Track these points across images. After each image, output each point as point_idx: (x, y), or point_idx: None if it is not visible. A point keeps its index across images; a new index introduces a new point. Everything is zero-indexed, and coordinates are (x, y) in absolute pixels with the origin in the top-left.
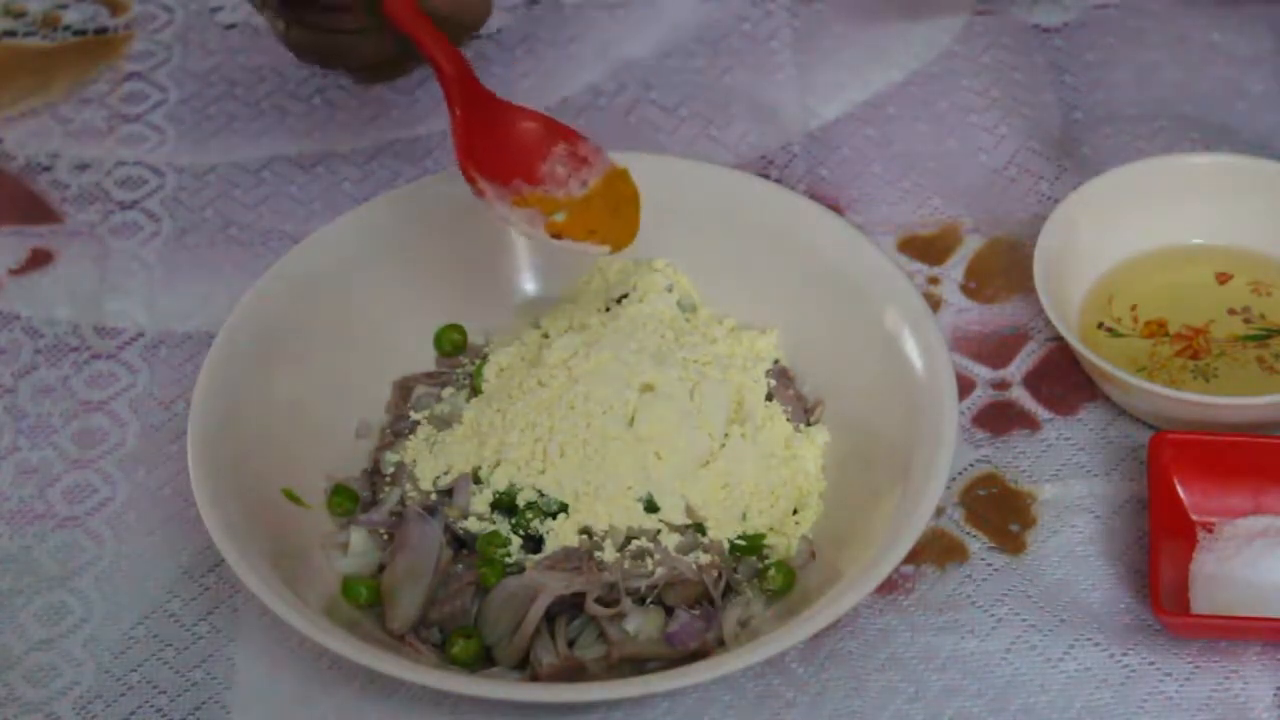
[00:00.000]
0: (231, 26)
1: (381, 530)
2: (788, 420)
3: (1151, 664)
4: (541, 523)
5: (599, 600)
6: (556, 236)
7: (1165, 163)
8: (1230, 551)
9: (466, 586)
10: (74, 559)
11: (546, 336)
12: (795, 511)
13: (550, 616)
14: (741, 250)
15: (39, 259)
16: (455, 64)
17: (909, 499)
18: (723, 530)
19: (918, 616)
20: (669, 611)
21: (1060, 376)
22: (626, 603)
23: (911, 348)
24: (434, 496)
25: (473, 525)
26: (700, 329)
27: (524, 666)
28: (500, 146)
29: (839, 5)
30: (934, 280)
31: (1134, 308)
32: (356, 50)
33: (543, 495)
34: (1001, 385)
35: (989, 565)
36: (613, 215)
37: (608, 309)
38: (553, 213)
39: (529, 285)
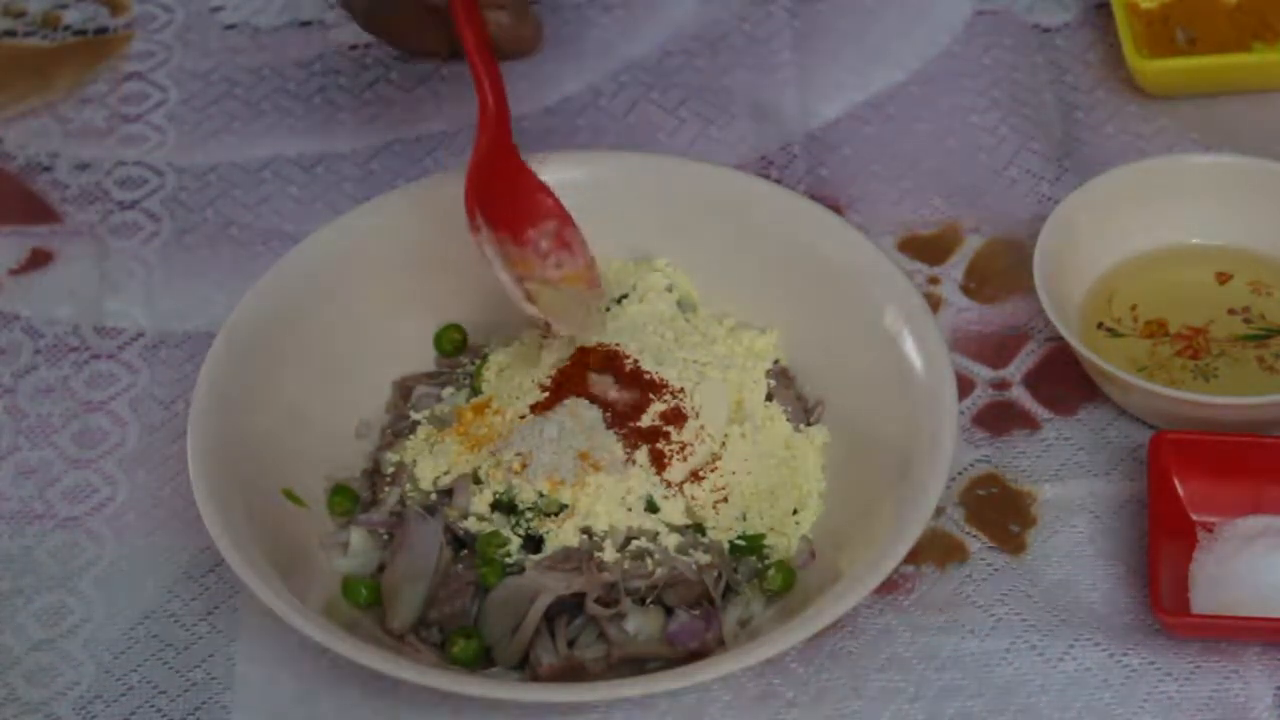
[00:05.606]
0: (231, 27)
1: (381, 530)
2: (787, 420)
3: (1151, 664)
4: (541, 523)
5: (599, 600)
6: (530, 300)
7: (1165, 163)
8: (1230, 551)
9: (466, 586)
10: (74, 559)
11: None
12: (795, 511)
13: (550, 616)
14: (741, 250)
15: (39, 259)
16: (499, 102)
17: (909, 499)
18: (722, 530)
19: (918, 616)
20: (669, 611)
21: (1060, 376)
22: (626, 603)
23: (911, 347)
24: (434, 496)
25: (473, 525)
26: (700, 329)
27: (524, 666)
28: (502, 196)
29: (839, 5)
30: (934, 280)
31: (1134, 308)
32: (422, 40)
33: (543, 495)
34: (1001, 385)
35: (989, 565)
36: (585, 315)
37: (608, 309)
38: (526, 278)
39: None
